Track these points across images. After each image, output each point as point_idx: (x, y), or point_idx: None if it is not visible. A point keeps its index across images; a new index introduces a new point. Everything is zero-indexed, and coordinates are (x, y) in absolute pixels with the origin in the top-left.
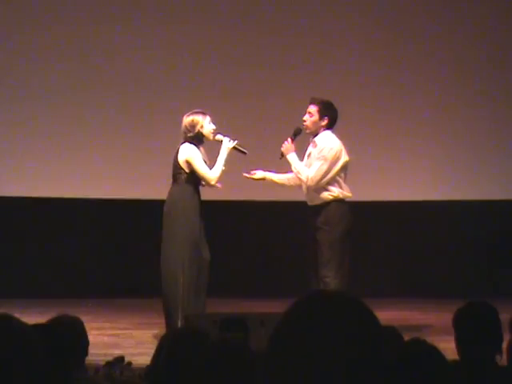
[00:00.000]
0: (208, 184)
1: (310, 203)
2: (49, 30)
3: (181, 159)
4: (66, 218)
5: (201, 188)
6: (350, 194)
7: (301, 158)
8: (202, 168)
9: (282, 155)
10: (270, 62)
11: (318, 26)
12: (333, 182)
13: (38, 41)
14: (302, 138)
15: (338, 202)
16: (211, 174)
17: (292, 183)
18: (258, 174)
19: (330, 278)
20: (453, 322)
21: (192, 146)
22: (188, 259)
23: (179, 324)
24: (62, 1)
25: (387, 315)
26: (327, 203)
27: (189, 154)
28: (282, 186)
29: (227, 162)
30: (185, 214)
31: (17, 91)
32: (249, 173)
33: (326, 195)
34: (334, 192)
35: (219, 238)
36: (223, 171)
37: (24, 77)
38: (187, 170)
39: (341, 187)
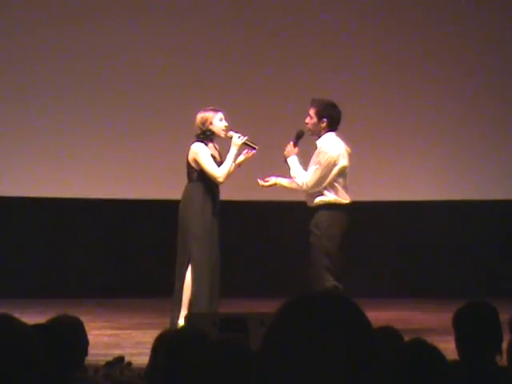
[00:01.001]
0: (216, 181)
1: (307, 205)
2: (49, 30)
3: (190, 158)
4: (66, 218)
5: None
6: (345, 201)
7: (306, 161)
8: (208, 165)
9: (286, 159)
10: (274, 62)
11: (322, 28)
12: (329, 187)
13: (38, 40)
14: (309, 140)
15: (330, 207)
16: (218, 172)
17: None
18: (271, 180)
19: (316, 280)
20: (453, 322)
21: (199, 144)
22: (198, 259)
23: (180, 320)
24: (65, 0)
25: (387, 315)
26: (319, 207)
27: (195, 152)
28: (291, 189)
29: (244, 160)
30: (195, 211)
31: (17, 91)
32: (263, 179)
33: (318, 200)
34: (327, 197)
35: (219, 237)
36: (235, 167)
37: (24, 77)
38: (197, 168)
39: (337, 193)
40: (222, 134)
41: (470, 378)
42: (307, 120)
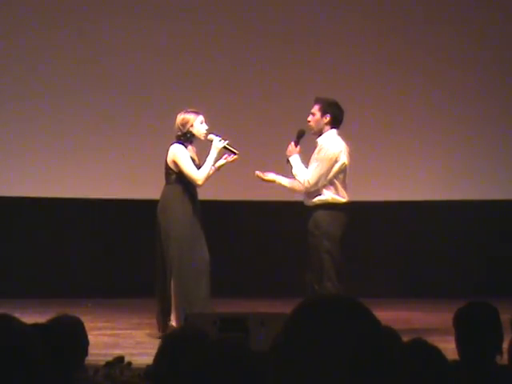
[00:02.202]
0: (195, 184)
1: (305, 204)
2: (49, 29)
3: (169, 159)
4: (67, 218)
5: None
6: (343, 200)
7: (308, 160)
8: (187, 167)
9: (288, 159)
10: (274, 63)
11: (322, 27)
12: (329, 184)
13: (38, 40)
14: (310, 140)
15: (329, 207)
16: (197, 174)
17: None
18: (270, 176)
19: (318, 281)
20: (453, 322)
21: (179, 146)
22: (178, 259)
23: (173, 323)
24: (65, 1)
25: (387, 315)
26: (317, 207)
27: (175, 153)
28: (291, 190)
29: (222, 162)
30: (175, 213)
31: (16, 91)
32: (262, 172)
33: (316, 199)
34: (325, 196)
35: (219, 237)
36: (214, 171)
37: (24, 76)
38: (176, 170)
39: (336, 190)
40: (202, 137)
41: (470, 378)
42: (309, 118)
